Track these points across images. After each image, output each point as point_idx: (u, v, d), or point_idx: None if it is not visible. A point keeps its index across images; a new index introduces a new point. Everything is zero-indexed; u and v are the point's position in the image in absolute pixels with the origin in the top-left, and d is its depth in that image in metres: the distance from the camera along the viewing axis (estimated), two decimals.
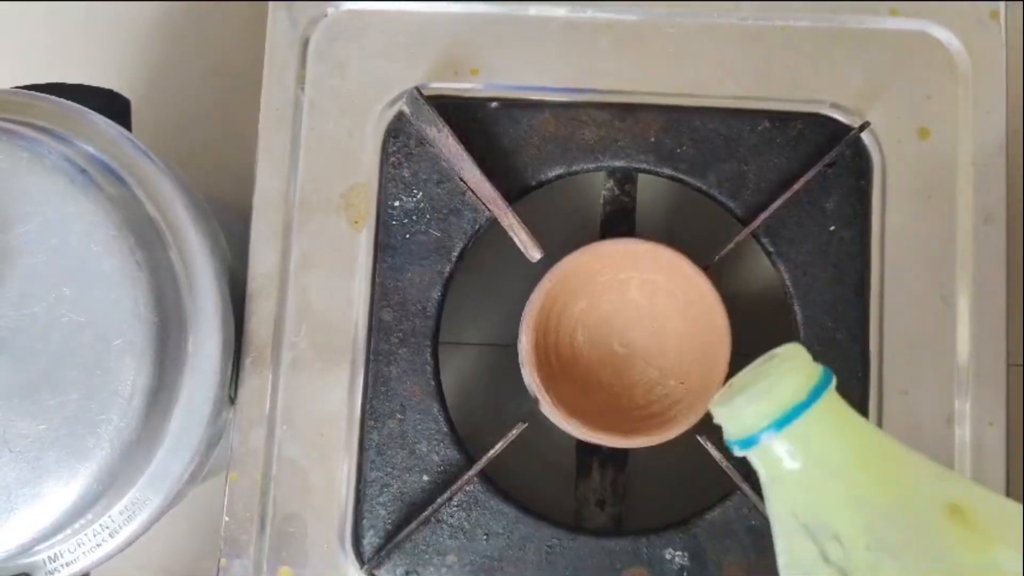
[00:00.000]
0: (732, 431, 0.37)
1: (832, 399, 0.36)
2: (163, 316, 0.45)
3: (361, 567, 0.49)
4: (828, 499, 0.35)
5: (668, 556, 0.49)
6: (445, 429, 0.50)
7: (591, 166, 0.52)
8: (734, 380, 0.38)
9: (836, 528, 0.35)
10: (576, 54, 0.52)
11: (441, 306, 0.51)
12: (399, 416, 0.50)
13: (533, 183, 0.52)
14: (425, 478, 0.50)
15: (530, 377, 0.49)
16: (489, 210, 0.51)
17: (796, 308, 0.50)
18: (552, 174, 0.52)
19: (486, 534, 0.49)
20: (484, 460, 0.49)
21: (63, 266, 0.44)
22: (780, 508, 0.36)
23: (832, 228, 0.51)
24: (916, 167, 0.51)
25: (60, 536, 0.45)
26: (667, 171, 0.51)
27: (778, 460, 0.36)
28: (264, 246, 0.51)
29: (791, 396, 0.35)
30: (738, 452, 0.37)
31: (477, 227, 0.51)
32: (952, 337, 0.50)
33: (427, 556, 0.49)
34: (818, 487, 0.35)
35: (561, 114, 0.52)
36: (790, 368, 0.36)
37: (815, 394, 0.35)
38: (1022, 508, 0.36)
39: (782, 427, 0.35)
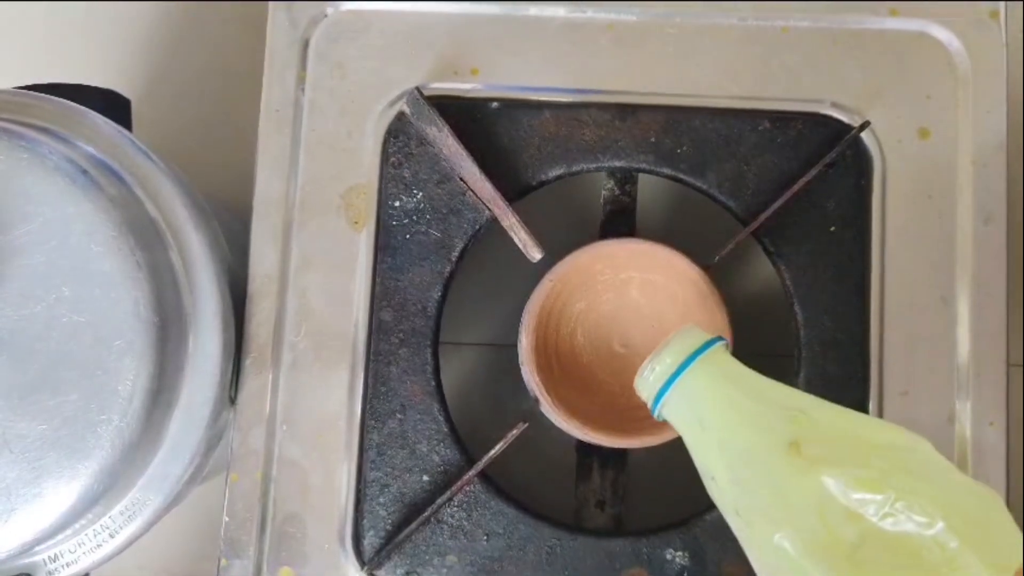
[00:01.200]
0: (645, 397, 0.43)
1: (714, 360, 0.42)
2: (163, 317, 0.45)
3: (361, 568, 0.49)
4: (705, 445, 0.41)
5: (668, 556, 0.49)
6: (445, 429, 0.50)
7: (591, 166, 0.52)
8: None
9: (711, 470, 0.41)
10: (576, 54, 0.52)
11: (441, 306, 0.51)
12: (399, 416, 0.50)
13: (533, 183, 0.52)
14: (425, 478, 0.50)
15: (530, 377, 0.49)
16: (489, 210, 0.51)
17: (796, 308, 0.50)
18: (552, 174, 0.52)
19: (486, 534, 0.49)
20: (484, 460, 0.49)
21: (63, 266, 0.44)
22: (692, 457, 0.43)
23: (832, 228, 0.51)
24: (916, 167, 0.51)
25: (60, 536, 0.45)
26: (667, 171, 0.51)
27: (676, 416, 0.42)
28: (264, 246, 0.51)
29: (675, 360, 0.42)
30: (656, 415, 0.43)
31: (477, 227, 0.51)
32: (952, 337, 0.50)
33: (427, 556, 0.49)
34: (699, 435, 0.41)
35: (561, 114, 0.52)
36: (677, 339, 0.42)
37: (693, 356, 0.41)
38: (913, 443, 0.39)
39: (669, 386, 0.42)
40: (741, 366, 0.42)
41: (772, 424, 0.39)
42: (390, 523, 0.49)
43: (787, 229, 0.51)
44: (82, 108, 0.48)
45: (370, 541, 0.49)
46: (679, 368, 0.41)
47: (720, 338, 0.43)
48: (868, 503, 0.37)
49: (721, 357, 0.42)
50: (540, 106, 0.52)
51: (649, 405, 0.43)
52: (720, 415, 0.41)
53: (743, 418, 0.40)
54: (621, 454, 0.51)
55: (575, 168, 0.52)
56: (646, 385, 0.43)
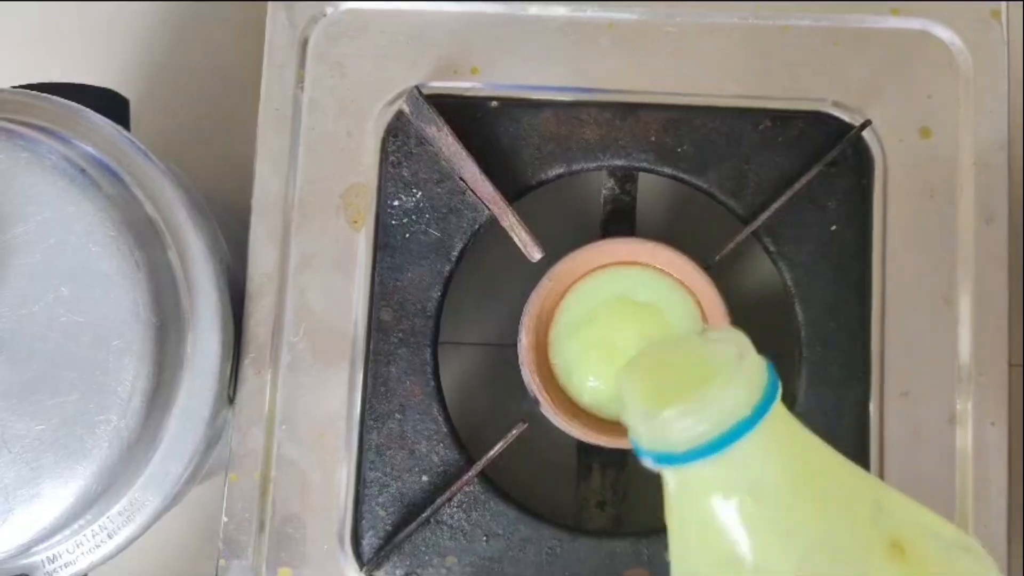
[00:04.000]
0: (647, 440, 0.31)
1: (777, 413, 0.31)
2: (162, 316, 0.45)
3: (360, 568, 0.49)
4: (755, 528, 0.31)
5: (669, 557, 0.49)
6: (445, 429, 0.50)
7: (591, 165, 0.52)
8: (647, 357, 0.33)
9: (759, 560, 0.31)
10: (576, 54, 0.52)
11: (441, 306, 0.51)
12: (399, 416, 0.50)
13: (533, 182, 0.52)
14: (425, 478, 0.50)
15: (530, 377, 0.49)
16: (489, 210, 0.51)
17: (797, 308, 0.50)
18: (552, 173, 0.52)
19: (486, 535, 0.49)
20: (484, 460, 0.49)
21: (62, 266, 0.44)
22: (690, 531, 0.32)
23: (833, 227, 0.51)
24: (917, 166, 0.51)
25: (59, 537, 0.45)
26: (668, 170, 0.51)
27: (702, 484, 0.31)
28: (263, 246, 0.51)
29: (731, 414, 0.30)
30: (650, 465, 0.32)
31: (477, 227, 0.51)
32: (953, 337, 0.50)
33: (427, 557, 0.49)
34: (744, 514, 0.31)
35: (561, 113, 0.52)
36: (732, 376, 0.30)
37: (759, 411, 0.30)
38: (968, 542, 0.34)
39: (715, 451, 0.30)
40: (800, 424, 0.33)
41: (861, 512, 0.31)
42: (389, 523, 0.49)
43: (788, 228, 0.51)
44: (81, 107, 0.48)
45: (369, 541, 0.49)
46: (741, 424, 0.30)
47: (774, 376, 0.31)
48: None
49: (781, 409, 0.32)
50: (540, 105, 0.52)
51: (648, 450, 0.31)
52: (793, 492, 0.31)
53: (825, 499, 0.31)
54: (622, 454, 0.51)
55: (575, 167, 0.52)
56: (663, 432, 0.31)
